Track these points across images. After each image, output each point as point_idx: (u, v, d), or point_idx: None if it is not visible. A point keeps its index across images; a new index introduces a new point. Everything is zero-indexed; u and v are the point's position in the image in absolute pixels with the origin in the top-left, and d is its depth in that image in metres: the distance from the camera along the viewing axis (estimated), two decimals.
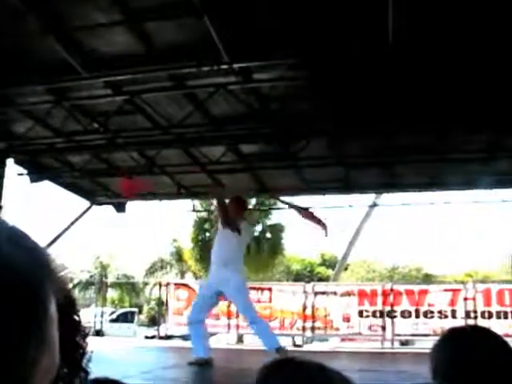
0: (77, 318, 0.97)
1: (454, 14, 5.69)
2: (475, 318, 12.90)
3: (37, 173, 10.45)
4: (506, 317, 12.93)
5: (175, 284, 16.14)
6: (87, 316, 22.23)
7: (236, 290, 8.00)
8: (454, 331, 1.80)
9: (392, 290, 13.95)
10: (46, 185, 11.03)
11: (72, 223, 12.24)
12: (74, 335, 0.95)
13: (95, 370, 1.14)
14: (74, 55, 6.63)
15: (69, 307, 1.00)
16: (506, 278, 34.04)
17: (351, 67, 6.83)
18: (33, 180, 10.40)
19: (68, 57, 6.59)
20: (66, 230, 12.10)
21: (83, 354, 0.99)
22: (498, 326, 12.44)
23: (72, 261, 38.70)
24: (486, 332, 1.82)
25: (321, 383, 1.14)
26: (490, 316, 12.99)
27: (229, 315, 14.32)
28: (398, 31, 5.76)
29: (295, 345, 15.45)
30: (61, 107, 8.21)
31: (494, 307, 13.06)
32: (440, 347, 1.73)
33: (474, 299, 13.16)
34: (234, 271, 7.95)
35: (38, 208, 74.89)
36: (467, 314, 13.04)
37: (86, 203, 12.43)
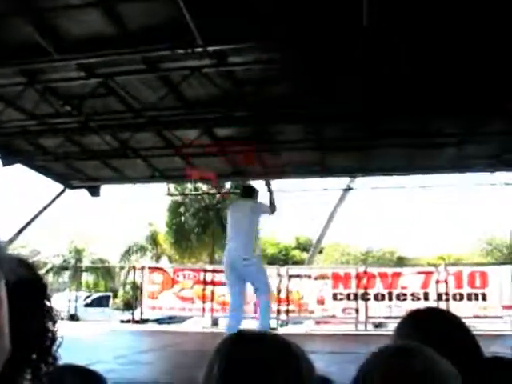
0: (47, 303, 0.96)
1: None
2: (447, 300, 13.08)
3: (9, 156, 10.32)
4: (476, 299, 13.13)
5: (150, 268, 16.08)
6: (61, 301, 22.11)
7: None
8: (412, 314, 1.82)
9: (366, 272, 14.05)
10: (19, 168, 10.93)
11: (45, 207, 12.14)
12: (43, 321, 0.94)
13: (69, 355, 1.14)
14: (46, 37, 6.52)
15: (39, 293, 0.99)
16: (478, 260, 34.52)
17: (326, 50, 6.83)
18: (5, 163, 10.28)
19: (40, 38, 6.48)
20: (39, 213, 12.00)
21: (53, 339, 0.98)
22: (468, 308, 12.66)
23: (46, 245, 38.40)
24: (444, 313, 1.84)
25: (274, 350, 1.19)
26: (462, 298, 13.17)
27: (203, 299, 14.35)
28: (373, 13, 5.76)
29: (270, 328, 15.51)
30: (33, 89, 8.10)
31: (466, 289, 13.26)
32: (399, 330, 1.75)
33: (445, 282, 13.33)
34: None
35: (10, 191, 73.97)
36: (439, 297, 13.21)
37: (59, 187, 12.33)
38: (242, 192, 9.18)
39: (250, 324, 10.42)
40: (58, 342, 0.99)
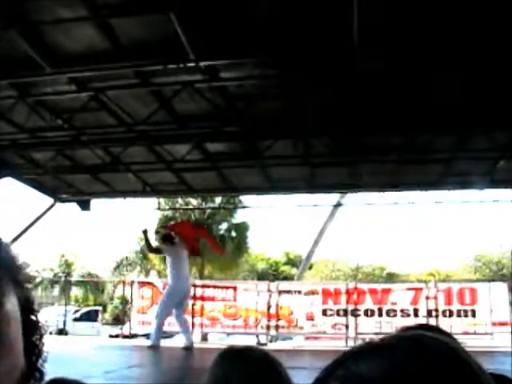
0: (34, 318, 0.96)
1: (419, 16, 5.77)
2: (436, 316, 13.09)
3: None
4: (466, 315, 13.15)
5: (139, 282, 16.01)
6: (50, 315, 21.94)
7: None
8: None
9: (356, 288, 14.05)
10: (9, 181, 10.89)
11: (35, 220, 12.08)
12: (30, 335, 0.94)
13: (58, 370, 1.13)
14: (38, 50, 6.54)
15: (26, 307, 0.99)
16: (467, 277, 34.58)
17: (317, 66, 6.87)
18: None
19: (32, 52, 6.49)
20: (29, 227, 11.94)
21: (39, 354, 0.97)
22: (458, 325, 12.68)
23: (35, 259, 38.15)
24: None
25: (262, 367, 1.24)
26: (451, 314, 13.19)
27: (193, 313, 14.29)
28: (363, 31, 5.81)
29: (259, 343, 15.45)
30: (24, 103, 8.09)
31: (455, 306, 13.27)
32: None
33: (435, 298, 13.34)
34: None
35: None
36: (429, 313, 13.21)
37: (49, 200, 12.29)
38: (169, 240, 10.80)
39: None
40: (44, 357, 0.98)
